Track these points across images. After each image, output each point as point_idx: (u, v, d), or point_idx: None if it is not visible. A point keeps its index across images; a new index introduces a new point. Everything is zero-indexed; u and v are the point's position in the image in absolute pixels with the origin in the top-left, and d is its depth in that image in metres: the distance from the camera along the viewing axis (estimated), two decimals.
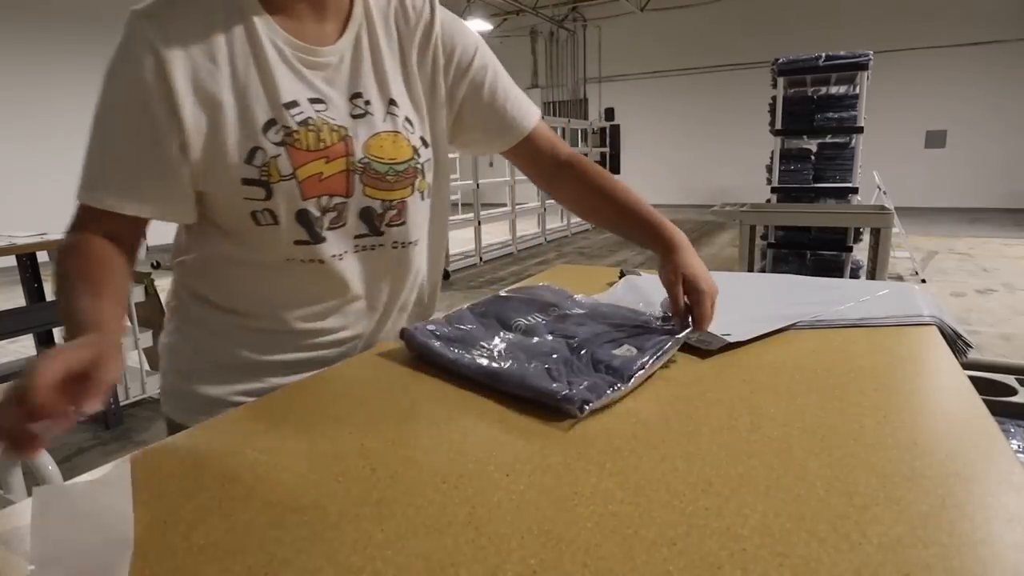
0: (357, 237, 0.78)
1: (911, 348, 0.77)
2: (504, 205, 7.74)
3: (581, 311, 0.86)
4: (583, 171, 0.92)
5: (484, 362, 0.68)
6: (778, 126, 4.71)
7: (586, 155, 7.09)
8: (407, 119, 0.79)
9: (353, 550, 0.41)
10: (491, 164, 12.92)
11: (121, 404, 2.83)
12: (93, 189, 0.69)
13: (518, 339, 0.76)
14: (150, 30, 0.66)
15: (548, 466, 0.51)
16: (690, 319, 0.78)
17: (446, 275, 6.08)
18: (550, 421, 0.59)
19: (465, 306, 0.87)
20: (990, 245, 7.17)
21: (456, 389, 0.67)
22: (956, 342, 0.83)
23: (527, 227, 8.57)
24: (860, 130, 4.52)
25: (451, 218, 6.27)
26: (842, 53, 4.42)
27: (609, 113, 14.38)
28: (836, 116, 4.56)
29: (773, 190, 4.83)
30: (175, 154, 0.68)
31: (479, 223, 6.71)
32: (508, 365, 0.67)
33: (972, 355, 0.93)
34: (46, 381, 0.45)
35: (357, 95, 0.76)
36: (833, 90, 4.91)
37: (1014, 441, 1.14)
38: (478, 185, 6.55)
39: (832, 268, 4.58)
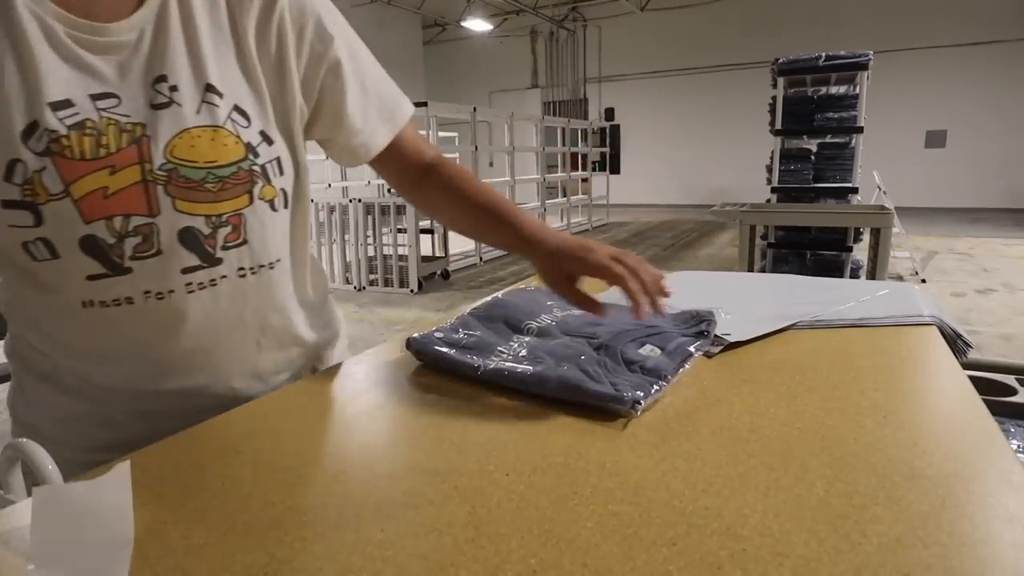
0: (186, 271, 0.61)
1: (911, 348, 0.77)
2: None
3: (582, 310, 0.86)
4: (447, 175, 0.79)
5: (512, 367, 0.67)
6: (778, 126, 4.71)
7: (586, 155, 7.01)
8: (237, 110, 0.62)
9: (353, 550, 0.41)
10: (491, 164, 12.92)
11: None
12: None
13: (536, 341, 0.76)
14: None
15: (548, 466, 0.51)
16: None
17: (446, 275, 6.08)
18: (550, 421, 0.59)
19: (466, 311, 0.86)
20: (990, 245, 7.17)
21: (456, 389, 0.67)
22: (956, 342, 0.83)
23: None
24: (860, 130, 4.52)
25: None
26: (842, 53, 4.42)
27: (609, 113, 14.38)
28: (836, 116, 4.56)
29: (773, 190, 4.83)
30: None
31: None
32: (540, 369, 0.66)
33: (972, 355, 0.93)
34: None
35: (160, 79, 0.58)
36: (833, 90, 4.91)
37: (1014, 441, 1.14)
38: None
39: (832, 268, 4.57)
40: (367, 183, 6.77)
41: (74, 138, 0.55)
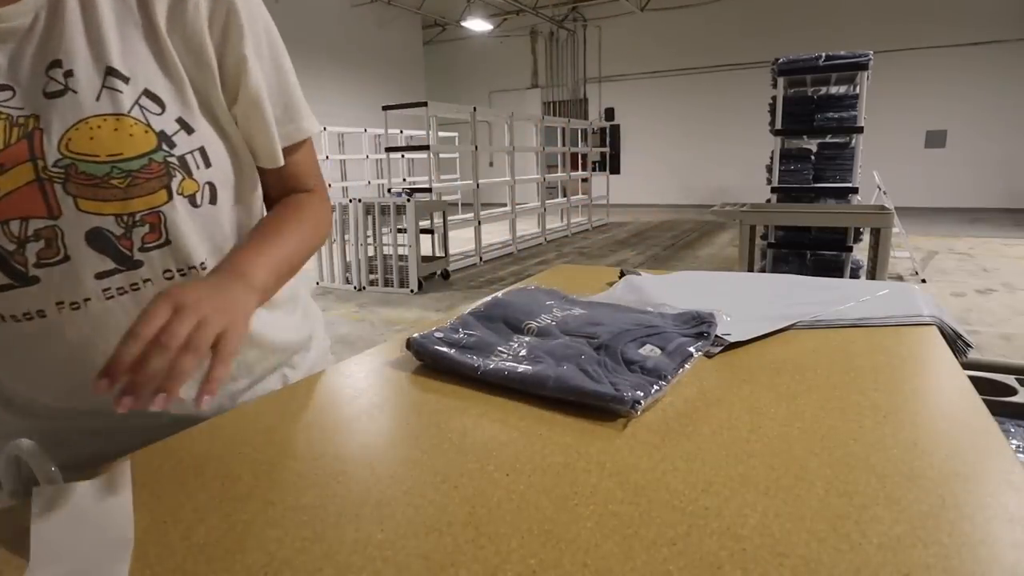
0: (101, 276, 0.56)
1: (911, 348, 0.77)
2: (504, 205, 7.74)
3: (582, 310, 0.86)
4: (292, 200, 0.71)
5: (512, 367, 0.67)
6: (778, 126, 4.71)
7: (586, 155, 6.97)
8: (148, 95, 0.56)
9: (353, 550, 0.41)
10: (491, 164, 12.93)
11: None
12: None
13: (536, 341, 0.75)
14: None
15: (548, 466, 0.51)
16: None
17: (446, 275, 6.08)
18: (550, 421, 0.59)
19: (466, 311, 0.86)
20: (990, 245, 7.17)
21: (456, 389, 0.67)
22: (956, 342, 0.83)
23: (527, 227, 8.57)
24: (860, 130, 4.52)
25: (451, 218, 6.37)
26: (842, 53, 4.42)
27: (609, 113, 14.38)
28: (836, 116, 4.56)
29: (773, 190, 4.83)
30: None
31: (479, 223, 6.71)
32: (539, 369, 0.66)
33: (972, 355, 0.93)
34: None
35: (55, 64, 0.53)
36: (833, 90, 4.91)
37: (1014, 441, 1.14)
38: (478, 185, 6.55)
39: (832, 268, 4.58)
40: (367, 183, 6.77)
41: None
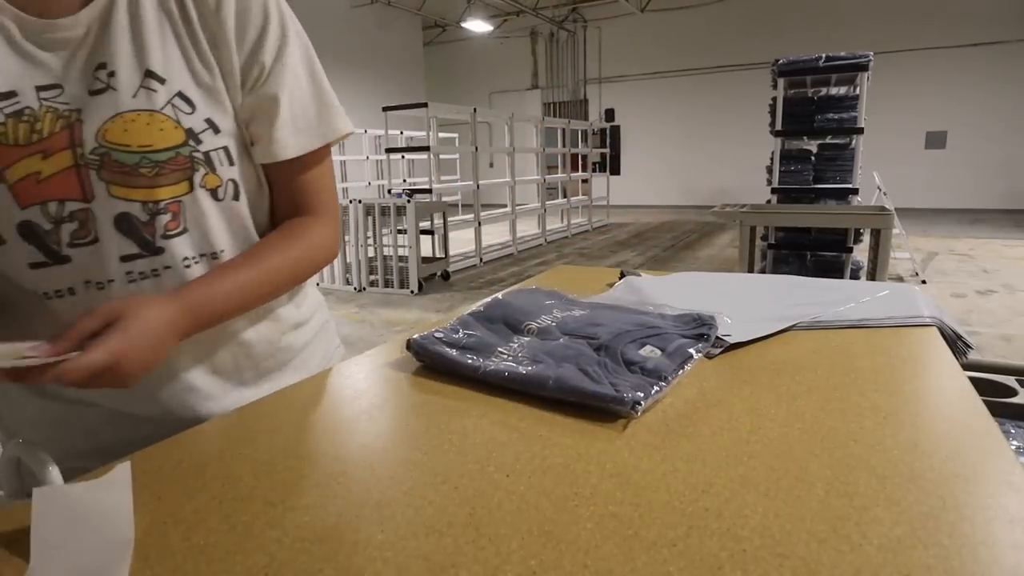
0: (125, 259, 0.61)
1: (911, 349, 0.77)
2: (504, 206, 7.74)
3: (582, 311, 0.86)
4: (288, 229, 0.72)
5: (512, 368, 0.67)
6: (778, 127, 4.71)
7: (586, 156, 7.00)
8: (181, 96, 0.62)
9: (353, 551, 0.41)
10: (491, 164, 12.94)
11: None
12: None
13: (536, 342, 0.75)
14: None
15: (548, 466, 0.51)
16: None
17: (446, 276, 6.08)
18: (550, 422, 0.59)
19: (466, 312, 0.86)
20: (990, 246, 7.17)
21: (456, 390, 0.67)
22: (956, 343, 0.83)
23: (527, 228, 8.57)
24: (860, 131, 4.52)
25: (452, 219, 6.37)
26: (842, 54, 4.42)
27: (609, 114, 14.39)
28: (836, 117, 4.56)
29: (773, 191, 4.83)
30: None
31: (479, 224, 6.71)
32: (539, 369, 0.66)
33: (972, 356, 0.93)
34: None
35: (101, 66, 0.60)
36: (833, 91, 4.91)
37: (1014, 442, 1.14)
38: (478, 186, 6.55)
39: (832, 269, 4.58)
40: (367, 184, 6.77)
41: (10, 125, 0.56)
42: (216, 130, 0.64)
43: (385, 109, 6.01)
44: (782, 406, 0.61)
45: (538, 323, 0.80)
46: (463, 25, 13.48)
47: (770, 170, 4.89)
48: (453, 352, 0.72)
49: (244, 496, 0.48)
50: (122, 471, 0.45)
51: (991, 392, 1.27)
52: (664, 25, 13.25)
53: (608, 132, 13.36)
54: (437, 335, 0.76)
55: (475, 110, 6.57)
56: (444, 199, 6.18)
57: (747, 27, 12.51)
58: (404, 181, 8.97)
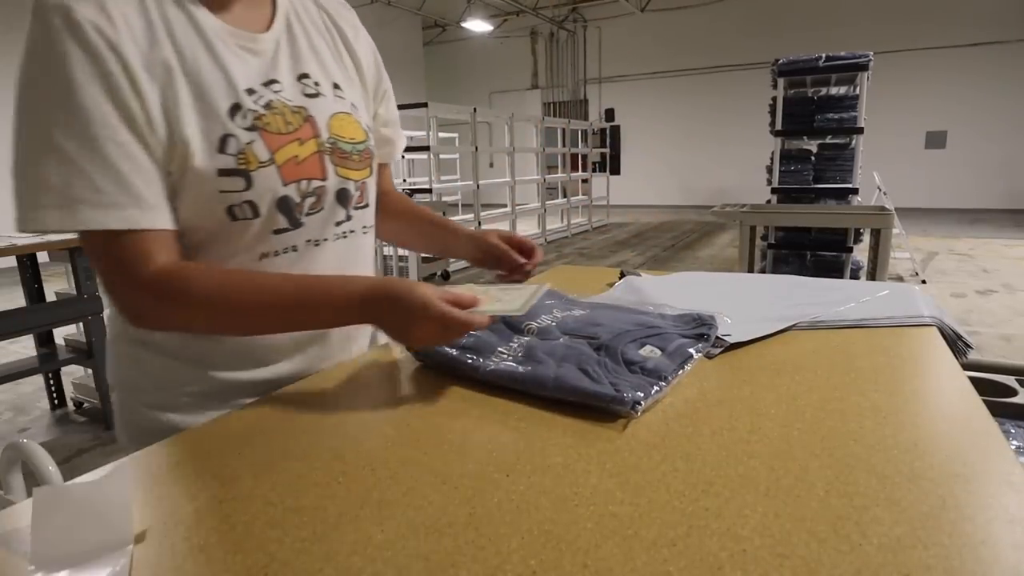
0: (336, 224, 0.77)
1: (911, 349, 0.77)
2: (504, 206, 7.74)
3: (582, 311, 0.86)
4: (401, 204, 0.98)
5: (512, 368, 0.67)
6: (778, 127, 4.71)
7: (586, 156, 7.08)
8: (353, 104, 0.79)
9: (353, 550, 0.41)
10: (491, 164, 12.94)
11: None
12: (139, 207, 0.60)
13: (535, 342, 0.75)
14: (85, 10, 0.58)
15: (548, 466, 0.51)
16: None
17: (446, 275, 6.08)
18: (550, 422, 0.59)
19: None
20: (990, 246, 7.17)
21: (456, 390, 0.67)
22: (956, 343, 0.83)
23: (527, 227, 8.57)
24: (860, 131, 4.52)
25: (452, 219, 6.28)
26: (842, 54, 4.42)
27: (609, 114, 14.38)
28: (836, 117, 4.55)
29: (773, 191, 4.83)
30: (157, 154, 0.62)
31: (479, 224, 6.70)
32: (539, 369, 0.66)
33: (972, 356, 0.93)
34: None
35: (304, 76, 0.74)
36: (833, 91, 4.91)
37: (1014, 442, 1.14)
38: (478, 185, 6.55)
39: (832, 269, 4.57)
40: None
41: (268, 116, 0.68)
42: (369, 130, 0.81)
43: None
44: (782, 406, 0.61)
45: (538, 323, 0.80)
46: (463, 25, 13.47)
47: (770, 170, 4.89)
48: (453, 352, 0.72)
49: (244, 496, 0.48)
50: (122, 471, 0.45)
51: (991, 392, 1.27)
52: (664, 25, 13.24)
53: (608, 132, 13.36)
54: None
55: (475, 110, 6.56)
56: (444, 199, 6.17)
57: (747, 27, 12.51)
58: (404, 181, 8.97)
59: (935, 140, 11.54)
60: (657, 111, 13.83)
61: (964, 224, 9.24)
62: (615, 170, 14.01)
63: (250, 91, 0.67)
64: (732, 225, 8.27)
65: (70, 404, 3.05)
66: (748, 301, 0.98)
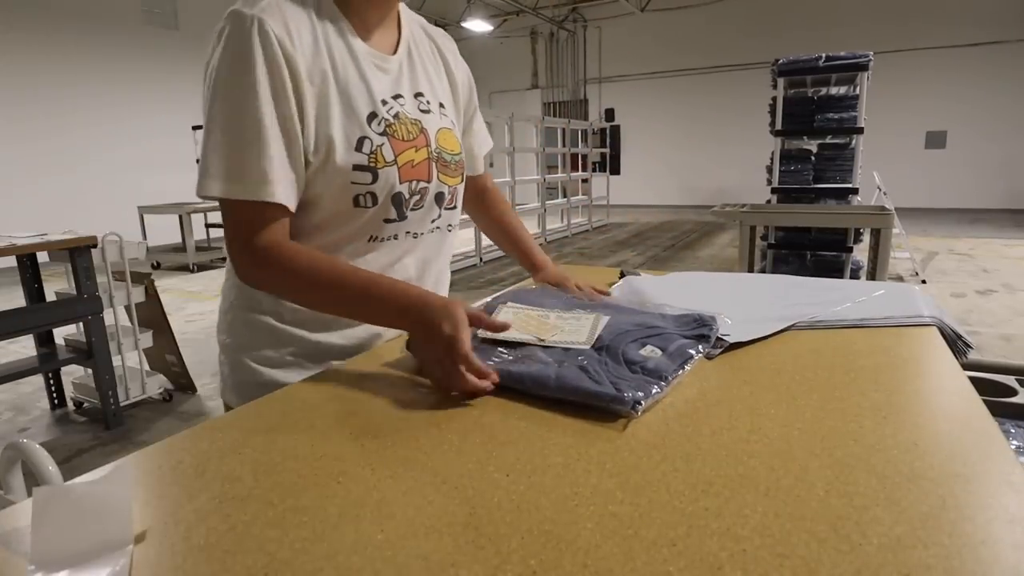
0: (432, 220, 0.91)
1: (911, 349, 0.77)
2: None
3: (584, 310, 0.86)
4: (494, 200, 1.16)
5: (513, 368, 0.67)
6: (778, 127, 4.71)
7: (586, 156, 7.10)
8: (452, 121, 0.94)
9: (353, 550, 0.41)
10: (491, 164, 12.89)
11: (121, 404, 2.83)
12: (267, 183, 0.73)
13: (533, 350, 0.73)
14: (274, 25, 0.72)
15: (548, 466, 0.51)
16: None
17: None
18: (550, 422, 0.59)
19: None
20: (990, 246, 7.17)
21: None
22: (956, 343, 0.83)
23: (527, 227, 8.56)
24: (860, 131, 4.52)
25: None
26: (842, 54, 4.42)
27: (609, 114, 14.38)
28: (836, 117, 4.55)
29: (773, 191, 4.83)
30: (303, 145, 0.76)
31: None
32: (540, 369, 0.66)
33: (972, 356, 0.93)
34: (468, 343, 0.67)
35: (419, 94, 0.89)
36: (833, 91, 4.91)
37: (1014, 442, 1.14)
38: None
39: (832, 269, 4.57)
40: None
41: (397, 125, 0.83)
42: (461, 145, 0.95)
43: None
44: (782, 406, 0.61)
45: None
46: (463, 25, 13.47)
47: (770, 170, 4.89)
48: None
49: (244, 496, 0.48)
50: (122, 470, 0.45)
51: (991, 392, 1.27)
52: (664, 25, 13.24)
53: (608, 132, 13.36)
54: None
55: None
56: None
57: (747, 27, 12.50)
58: None
59: (935, 140, 11.54)
60: (657, 111, 13.83)
61: (964, 224, 9.24)
62: (615, 170, 14.01)
63: (384, 102, 0.82)
64: (732, 225, 8.27)
65: (70, 404, 3.05)
66: (747, 301, 0.98)
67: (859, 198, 4.69)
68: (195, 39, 9.34)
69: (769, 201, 4.91)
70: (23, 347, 3.78)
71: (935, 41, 11.09)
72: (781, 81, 4.62)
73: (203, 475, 0.51)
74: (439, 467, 0.51)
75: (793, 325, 0.85)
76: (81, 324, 2.70)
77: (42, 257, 2.74)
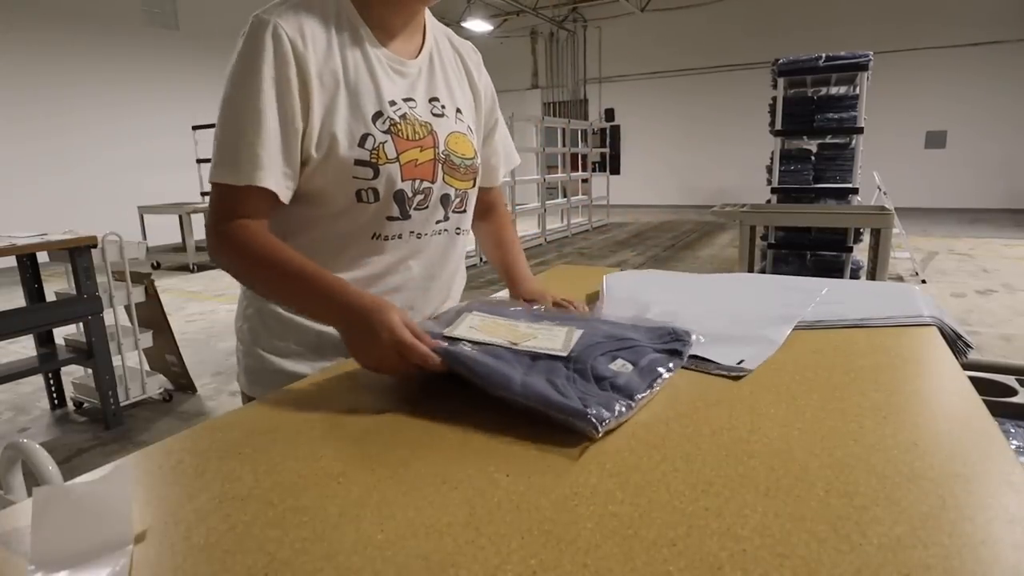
0: (437, 222, 0.92)
1: (911, 349, 0.77)
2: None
3: (553, 323, 0.80)
4: (498, 223, 1.15)
5: (477, 356, 0.65)
6: (778, 127, 4.71)
7: (586, 156, 7.12)
8: (469, 127, 0.96)
9: (353, 550, 0.41)
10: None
11: (121, 404, 2.83)
12: (254, 169, 0.76)
13: (501, 351, 0.69)
14: (288, 29, 0.77)
15: (548, 466, 0.50)
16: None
17: None
18: (550, 422, 0.59)
19: (427, 320, 0.81)
20: (990, 246, 7.17)
21: (456, 390, 0.67)
22: (956, 343, 0.83)
23: (527, 227, 8.57)
24: (860, 131, 4.52)
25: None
26: (842, 54, 4.42)
27: (609, 114, 14.38)
28: (836, 117, 4.55)
29: (773, 191, 4.83)
30: (302, 140, 0.80)
31: None
32: (506, 368, 0.64)
33: (972, 356, 0.93)
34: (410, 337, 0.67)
35: (434, 99, 0.91)
36: (833, 91, 4.91)
37: (1014, 441, 1.14)
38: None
39: (832, 268, 4.57)
40: None
41: (402, 125, 0.85)
42: (477, 151, 0.97)
43: None
44: (782, 406, 0.61)
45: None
46: (463, 25, 13.46)
47: (770, 170, 4.89)
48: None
49: (244, 496, 0.48)
50: (122, 471, 0.45)
51: (991, 392, 1.27)
52: (664, 25, 13.24)
53: (608, 132, 13.36)
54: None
55: None
56: None
57: (747, 27, 12.50)
58: None
59: (935, 140, 11.54)
60: (657, 111, 13.83)
61: (964, 224, 9.24)
62: (615, 170, 14.01)
63: (392, 103, 0.85)
64: (732, 225, 8.27)
65: (70, 404, 3.05)
66: (746, 301, 0.98)
67: (859, 198, 4.69)
68: (195, 39, 9.34)
69: (769, 201, 4.91)
70: (23, 347, 3.78)
71: (935, 41, 11.09)
72: (781, 81, 4.63)
73: (203, 475, 0.51)
74: (439, 467, 0.51)
75: (795, 327, 0.85)
76: (81, 324, 2.70)
77: (42, 257, 2.74)
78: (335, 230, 0.86)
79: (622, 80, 14.12)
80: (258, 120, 0.76)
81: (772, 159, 4.83)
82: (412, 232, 0.89)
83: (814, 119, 4.61)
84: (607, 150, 11.84)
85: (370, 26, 0.85)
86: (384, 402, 0.66)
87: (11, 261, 2.72)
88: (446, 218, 0.93)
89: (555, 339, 0.73)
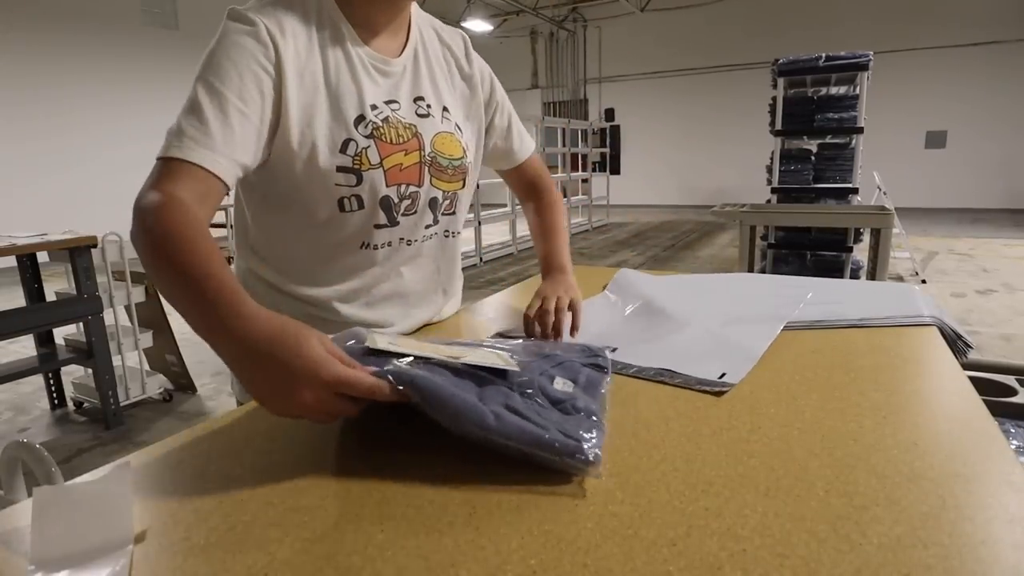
0: (426, 227, 0.90)
1: (911, 348, 0.77)
2: (504, 205, 7.74)
3: (464, 346, 0.69)
4: (541, 204, 1.10)
5: (430, 377, 0.54)
6: (778, 127, 4.71)
7: (586, 156, 7.08)
8: (457, 126, 0.92)
9: (353, 550, 0.41)
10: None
11: (121, 404, 2.83)
12: (197, 146, 0.68)
13: (441, 368, 0.58)
14: (267, 23, 0.74)
15: (548, 466, 0.50)
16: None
17: None
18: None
19: (348, 342, 0.61)
20: (990, 246, 7.17)
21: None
22: (956, 342, 0.83)
23: (527, 227, 8.56)
24: (860, 130, 4.52)
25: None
26: (842, 54, 4.42)
27: (609, 114, 14.38)
28: (836, 116, 4.55)
29: (773, 190, 4.83)
30: (266, 136, 0.74)
31: (479, 223, 6.71)
32: (468, 396, 0.53)
33: (972, 355, 0.93)
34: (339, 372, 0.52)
35: (420, 98, 0.88)
36: (833, 90, 4.91)
37: (1014, 441, 1.14)
38: (478, 185, 6.53)
39: (832, 268, 4.57)
40: None
41: (385, 128, 0.82)
42: (469, 149, 0.94)
43: None
44: (782, 406, 0.61)
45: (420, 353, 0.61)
46: (463, 25, 13.46)
47: (770, 170, 4.89)
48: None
49: (244, 496, 0.48)
50: (122, 470, 0.45)
51: (991, 392, 1.27)
52: (664, 25, 13.24)
53: (608, 132, 13.36)
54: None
55: None
56: None
57: (747, 27, 12.50)
58: None
59: (935, 140, 11.54)
60: (657, 111, 13.83)
61: (964, 224, 9.24)
62: (615, 170, 14.01)
63: (374, 107, 0.81)
64: (732, 225, 8.27)
65: (70, 404, 3.05)
66: (745, 301, 0.98)
67: (859, 198, 4.69)
68: (195, 39, 9.34)
69: (769, 201, 4.91)
70: (23, 347, 3.78)
71: (935, 41, 11.09)
72: (781, 81, 4.62)
73: (203, 475, 0.51)
74: (439, 467, 0.51)
75: (787, 326, 0.85)
76: (81, 324, 2.70)
77: (42, 257, 2.74)
78: (322, 241, 0.83)
79: (622, 80, 14.12)
80: (212, 102, 0.70)
81: (772, 159, 4.83)
82: (402, 239, 0.87)
83: (814, 119, 4.61)
84: (607, 150, 11.83)
85: (352, 24, 0.82)
86: (384, 402, 0.65)
87: (11, 261, 2.71)
88: (436, 221, 0.90)
89: (488, 356, 0.62)
